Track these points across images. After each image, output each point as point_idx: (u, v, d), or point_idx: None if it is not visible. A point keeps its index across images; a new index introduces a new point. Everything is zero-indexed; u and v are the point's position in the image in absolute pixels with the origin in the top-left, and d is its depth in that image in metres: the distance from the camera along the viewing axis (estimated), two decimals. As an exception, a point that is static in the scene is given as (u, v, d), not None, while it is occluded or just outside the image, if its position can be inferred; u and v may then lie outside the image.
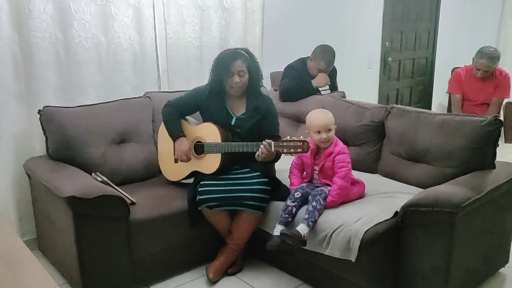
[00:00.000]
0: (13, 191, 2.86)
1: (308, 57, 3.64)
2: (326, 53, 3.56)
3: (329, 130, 2.50)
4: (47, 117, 2.71)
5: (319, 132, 2.50)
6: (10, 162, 2.82)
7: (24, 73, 2.79)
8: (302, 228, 2.30)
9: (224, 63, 2.63)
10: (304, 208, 2.41)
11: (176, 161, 2.78)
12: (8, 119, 2.77)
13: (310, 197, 2.42)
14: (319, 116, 2.55)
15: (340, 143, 2.57)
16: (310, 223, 2.32)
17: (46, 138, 2.73)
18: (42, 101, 2.83)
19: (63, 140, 2.71)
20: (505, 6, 6.03)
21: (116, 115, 2.93)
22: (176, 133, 2.72)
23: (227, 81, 2.63)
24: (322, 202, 2.38)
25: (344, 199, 2.47)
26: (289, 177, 2.67)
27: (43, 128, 2.72)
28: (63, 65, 2.91)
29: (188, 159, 2.68)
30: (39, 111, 2.72)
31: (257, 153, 2.46)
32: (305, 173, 2.64)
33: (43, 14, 2.76)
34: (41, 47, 2.80)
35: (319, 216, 2.35)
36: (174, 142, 2.73)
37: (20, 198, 2.89)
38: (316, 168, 2.56)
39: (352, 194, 2.52)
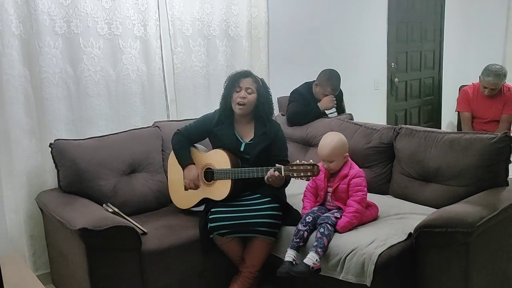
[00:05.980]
0: (26, 226, 2.87)
1: (314, 81, 3.66)
2: (331, 79, 3.56)
3: (331, 161, 2.50)
4: (58, 150, 2.74)
5: (323, 160, 2.51)
6: (22, 197, 2.84)
7: (36, 109, 2.83)
8: (311, 257, 2.28)
9: (235, 77, 2.70)
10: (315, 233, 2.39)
11: (186, 188, 2.79)
12: (20, 155, 2.80)
13: (318, 224, 2.40)
14: (321, 147, 2.54)
15: (356, 166, 2.56)
16: (319, 250, 2.29)
17: (58, 171, 2.75)
18: (54, 135, 2.86)
19: (75, 173, 2.73)
20: (509, 21, 6.04)
21: (126, 145, 2.95)
22: (185, 161, 2.74)
23: (233, 96, 2.66)
24: (329, 228, 2.36)
25: (358, 223, 2.45)
26: (303, 200, 2.66)
27: (54, 162, 2.75)
28: (73, 99, 2.96)
29: (197, 187, 2.69)
30: (50, 145, 2.75)
31: (266, 176, 2.47)
32: (318, 196, 2.63)
33: (53, 49, 2.82)
34: (52, 82, 2.85)
35: (328, 241, 2.33)
36: (183, 170, 2.75)
37: (33, 233, 2.90)
38: (330, 190, 2.55)
39: (365, 217, 2.50)
